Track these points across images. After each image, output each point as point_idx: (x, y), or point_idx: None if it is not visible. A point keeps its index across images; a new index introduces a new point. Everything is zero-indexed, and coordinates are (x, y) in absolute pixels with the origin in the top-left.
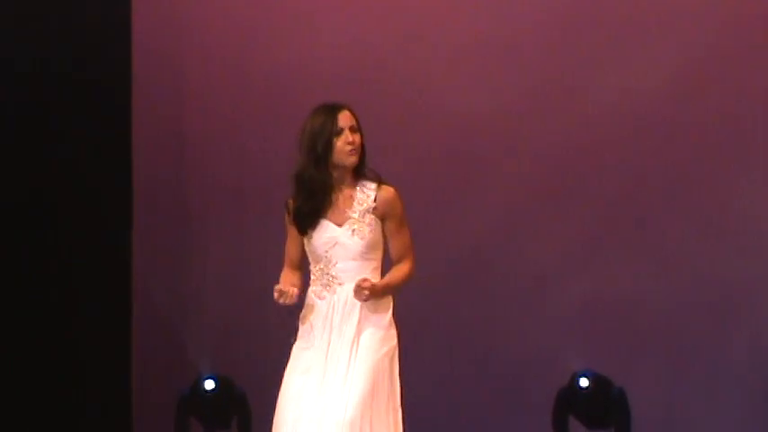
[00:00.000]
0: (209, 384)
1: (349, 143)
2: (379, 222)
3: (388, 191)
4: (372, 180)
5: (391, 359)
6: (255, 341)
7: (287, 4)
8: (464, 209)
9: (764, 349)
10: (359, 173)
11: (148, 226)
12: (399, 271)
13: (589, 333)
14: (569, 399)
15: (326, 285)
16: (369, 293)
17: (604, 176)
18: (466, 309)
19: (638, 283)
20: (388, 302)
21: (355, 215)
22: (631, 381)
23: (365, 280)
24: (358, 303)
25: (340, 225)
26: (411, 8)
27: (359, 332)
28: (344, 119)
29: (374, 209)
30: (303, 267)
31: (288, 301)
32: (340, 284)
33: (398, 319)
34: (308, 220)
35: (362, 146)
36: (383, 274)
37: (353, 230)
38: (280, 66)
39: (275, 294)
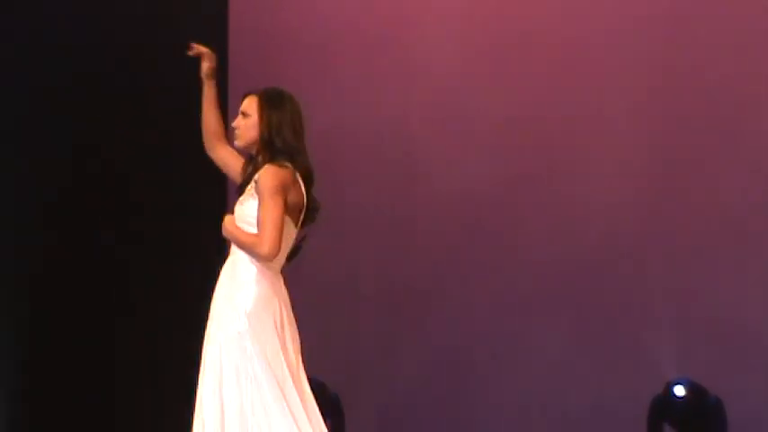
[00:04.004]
0: None
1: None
2: (257, 198)
3: (265, 167)
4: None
5: (241, 348)
6: (349, 343)
7: None
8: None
9: None
10: (270, 155)
11: None
12: (248, 234)
13: (685, 340)
14: (664, 407)
15: None
16: (225, 224)
17: None
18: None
19: (739, 292)
20: (251, 284)
21: (246, 190)
22: (728, 390)
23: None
24: (225, 281)
25: None
26: None
27: (216, 315)
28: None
29: (255, 183)
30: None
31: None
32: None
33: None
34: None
35: (262, 129)
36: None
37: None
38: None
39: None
